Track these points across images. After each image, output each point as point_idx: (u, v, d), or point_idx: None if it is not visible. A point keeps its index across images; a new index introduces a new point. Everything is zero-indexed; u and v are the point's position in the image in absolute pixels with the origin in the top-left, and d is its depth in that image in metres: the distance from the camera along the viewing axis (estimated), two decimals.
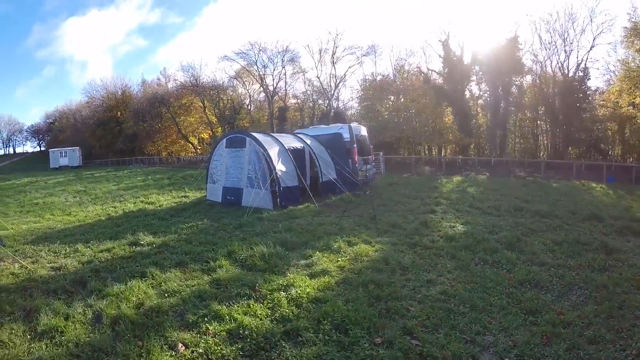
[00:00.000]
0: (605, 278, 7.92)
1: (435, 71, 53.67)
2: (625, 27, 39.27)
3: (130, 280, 7.94)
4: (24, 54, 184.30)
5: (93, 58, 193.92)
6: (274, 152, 16.76)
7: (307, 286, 7.43)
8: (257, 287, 7.44)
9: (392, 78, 58.49)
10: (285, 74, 68.36)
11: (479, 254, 9.53)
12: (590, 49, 44.10)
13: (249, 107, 75.32)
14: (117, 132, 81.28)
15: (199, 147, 79.16)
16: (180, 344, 5.58)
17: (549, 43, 46.08)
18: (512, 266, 8.67)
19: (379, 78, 59.61)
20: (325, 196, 18.41)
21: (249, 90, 74.53)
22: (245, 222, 13.39)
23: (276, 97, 69.23)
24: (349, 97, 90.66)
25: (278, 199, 16.42)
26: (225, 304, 6.75)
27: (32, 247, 11.59)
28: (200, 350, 5.46)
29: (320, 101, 67.20)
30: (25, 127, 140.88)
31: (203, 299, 7.03)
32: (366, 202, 16.07)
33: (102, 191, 27.34)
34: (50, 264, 9.71)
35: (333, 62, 63.99)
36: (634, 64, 38.83)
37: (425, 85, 51.41)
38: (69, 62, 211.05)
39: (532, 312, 6.53)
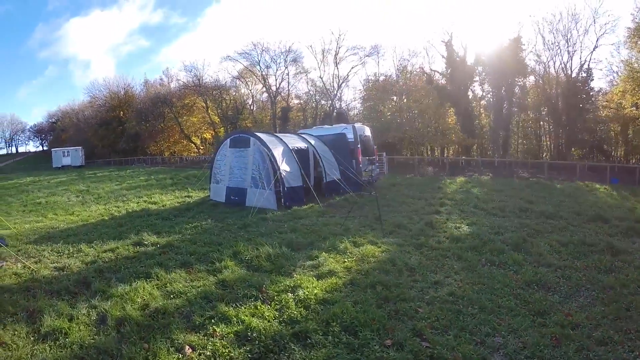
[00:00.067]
0: (612, 279, 7.89)
1: (438, 72, 53.67)
2: (629, 28, 39.27)
3: (134, 281, 7.87)
4: (26, 54, 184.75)
5: (96, 58, 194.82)
6: (278, 152, 16.69)
7: (315, 287, 7.36)
8: (264, 289, 7.36)
9: (394, 78, 58.44)
10: (288, 74, 68.44)
11: (486, 255, 9.46)
12: (594, 49, 43.98)
13: (252, 108, 75.30)
14: (119, 132, 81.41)
15: (202, 147, 79.29)
16: (187, 347, 5.50)
17: (552, 44, 46.03)
18: (519, 267, 8.62)
19: (381, 78, 59.54)
20: (329, 196, 18.35)
21: (252, 91, 74.62)
22: (249, 223, 13.30)
23: (279, 98, 69.23)
24: (351, 97, 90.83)
25: (282, 199, 16.35)
26: (232, 306, 6.67)
27: (35, 246, 11.50)
28: (208, 353, 5.38)
29: (323, 101, 67.28)
30: (28, 127, 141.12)
31: (209, 300, 6.95)
32: (370, 202, 16.01)
33: (104, 191, 27.28)
34: (54, 264, 9.63)
35: (336, 62, 63.99)
36: (637, 65, 38.79)
37: (428, 86, 51.28)
38: (71, 62, 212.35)
39: (540, 314, 6.49)
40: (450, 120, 52.66)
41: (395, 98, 55.98)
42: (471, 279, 8.00)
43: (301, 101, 70.86)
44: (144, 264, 9.24)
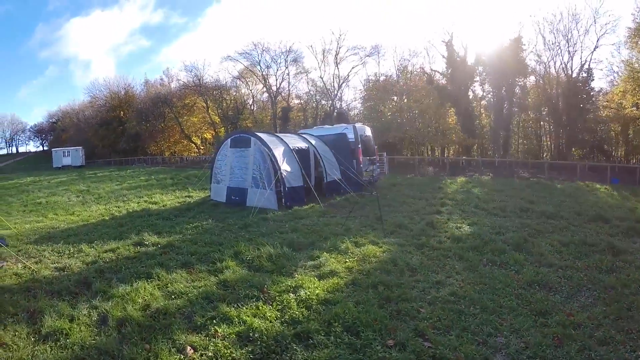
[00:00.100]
0: (613, 279, 7.89)
1: (438, 72, 53.71)
2: (629, 28, 39.26)
3: (135, 281, 7.85)
4: (27, 54, 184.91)
5: (96, 58, 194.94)
6: (279, 152, 16.67)
7: (316, 288, 7.34)
8: (265, 289, 7.34)
9: (395, 78, 58.41)
10: (288, 74, 68.43)
11: (487, 255, 9.47)
12: (594, 49, 43.95)
13: (252, 108, 75.23)
14: (120, 132, 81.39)
15: (202, 147, 79.28)
16: (188, 347, 5.48)
17: (552, 44, 45.98)
18: (520, 267, 8.63)
19: (382, 78, 59.51)
20: (330, 196, 18.33)
21: (252, 91, 74.57)
22: (250, 223, 13.28)
23: (279, 98, 69.23)
24: (352, 97, 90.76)
25: (283, 199, 16.32)
26: (233, 306, 6.65)
27: (36, 247, 11.47)
28: (210, 354, 5.36)
29: (323, 101, 67.23)
30: (28, 127, 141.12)
31: (211, 301, 6.93)
32: (371, 202, 16.00)
33: (105, 191, 27.26)
34: (54, 264, 9.60)
35: (336, 62, 63.97)
36: (638, 65, 38.77)
37: (429, 86, 51.29)
38: (72, 62, 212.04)
39: (542, 314, 6.49)
40: (450, 120, 52.67)
41: (395, 98, 55.94)
42: (473, 279, 7.99)
43: (302, 101, 70.83)
44: (144, 264, 9.21)
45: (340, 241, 10.52)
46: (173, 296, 7.21)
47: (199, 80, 72.22)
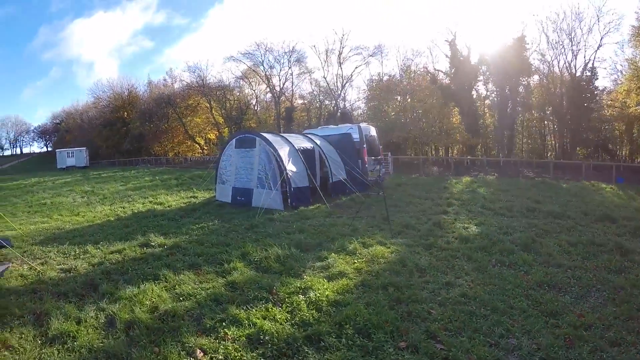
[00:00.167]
0: (622, 280, 7.85)
1: (442, 71, 53.68)
2: (633, 26, 39.26)
3: (143, 283, 7.79)
4: (30, 56, 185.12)
5: (99, 59, 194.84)
6: (284, 152, 16.61)
7: (326, 289, 7.28)
8: (274, 290, 7.28)
9: (398, 78, 58.37)
10: (291, 75, 68.54)
11: (495, 255, 9.40)
12: (598, 48, 43.83)
13: (256, 108, 75.35)
14: (123, 133, 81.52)
15: (206, 148, 79.30)
16: (198, 350, 5.42)
17: (556, 42, 45.87)
18: (529, 268, 8.56)
19: (385, 78, 59.42)
20: (336, 197, 18.26)
21: (256, 91, 74.65)
22: (256, 223, 13.23)
23: (283, 98, 69.26)
24: (355, 97, 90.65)
25: (289, 200, 16.26)
26: (242, 308, 6.59)
27: (41, 248, 11.44)
28: (220, 357, 5.31)
29: (327, 101, 67.21)
30: (32, 128, 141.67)
31: (219, 303, 6.87)
32: (377, 202, 15.94)
33: (110, 191, 27.27)
34: (60, 266, 9.56)
35: (339, 62, 64.04)
36: None
37: (432, 86, 51.25)
38: (75, 63, 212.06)
39: (552, 315, 6.44)
40: (454, 119, 52.56)
41: (399, 98, 55.94)
42: (482, 279, 7.92)
43: (305, 101, 70.90)
44: (151, 265, 9.16)
45: (348, 242, 10.45)
46: (181, 298, 7.15)
47: (202, 80, 72.27)
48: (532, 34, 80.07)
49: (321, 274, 8.28)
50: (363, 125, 22.90)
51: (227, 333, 5.81)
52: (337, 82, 64.56)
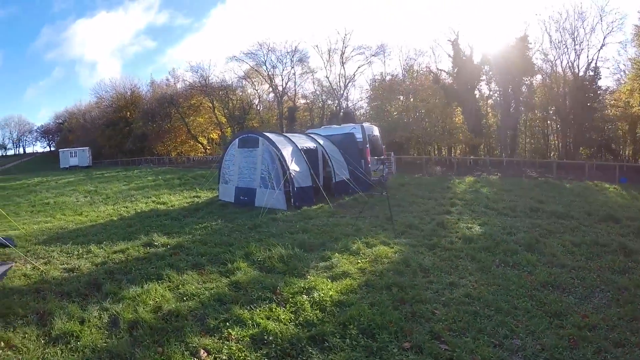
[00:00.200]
0: (626, 280, 7.82)
1: (444, 71, 53.54)
2: (636, 26, 39.22)
3: (146, 283, 7.77)
4: (33, 56, 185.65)
5: (102, 59, 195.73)
6: (287, 152, 16.60)
7: (330, 289, 7.25)
8: (278, 290, 7.26)
9: (401, 78, 58.26)
10: (294, 74, 68.57)
11: (499, 255, 9.37)
12: (601, 47, 43.61)
13: (258, 107, 75.37)
14: (126, 133, 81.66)
15: (209, 147, 79.34)
16: (202, 350, 5.40)
17: (559, 42, 45.62)
18: (533, 268, 8.53)
19: (388, 78, 59.37)
20: (339, 196, 18.23)
21: (258, 91, 74.73)
22: (260, 223, 13.22)
23: (285, 97, 69.27)
24: (358, 97, 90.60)
25: (292, 199, 16.25)
26: (246, 308, 6.57)
27: (44, 247, 11.44)
28: (224, 357, 5.29)
29: (329, 101, 67.22)
30: (35, 128, 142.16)
31: (223, 303, 6.85)
32: (380, 202, 15.95)
33: (112, 191, 27.31)
34: (63, 265, 9.54)
35: (342, 62, 64.04)
36: None
37: (435, 85, 51.16)
38: (78, 63, 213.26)
39: (557, 315, 6.41)
40: (457, 119, 52.48)
41: (402, 97, 55.86)
42: (486, 280, 7.90)
43: (308, 101, 70.90)
44: (154, 265, 9.14)
45: (351, 242, 10.43)
46: (185, 298, 7.13)
47: (205, 80, 72.36)
48: (535, 34, 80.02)
49: (325, 274, 8.27)
50: (366, 125, 22.90)
51: (230, 333, 5.79)
52: (339, 82, 64.73)
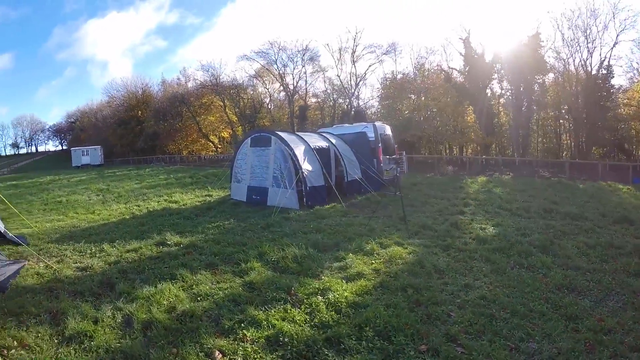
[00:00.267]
0: None
1: (456, 69, 53.22)
2: None
3: (159, 283, 7.76)
4: (45, 56, 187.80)
5: (113, 59, 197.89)
6: (299, 151, 16.56)
7: (345, 290, 7.21)
8: (292, 291, 7.22)
9: (412, 76, 58.03)
10: (305, 73, 68.37)
11: (514, 257, 9.30)
12: (614, 45, 43.02)
13: (269, 106, 75.35)
14: (138, 131, 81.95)
15: (220, 146, 79.48)
16: (217, 352, 5.37)
17: (571, 40, 45.08)
18: (548, 270, 8.44)
19: (399, 77, 59.23)
20: (351, 196, 18.18)
21: (269, 89, 74.71)
22: (272, 222, 13.19)
23: (296, 96, 69.25)
24: (369, 95, 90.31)
25: (304, 199, 16.21)
26: (261, 309, 6.53)
27: (57, 246, 11.49)
28: (239, 359, 5.25)
29: (340, 100, 67.12)
30: (47, 127, 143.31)
31: (237, 304, 6.82)
32: (393, 202, 15.87)
33: (125, 190, 27.42)
34: (76, 264, 9.56)
35: (353, 60, 63.83)
36: None
37: (447, 84, 50.83)
38: (89, 63, 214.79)
39: (572, 318, 6.33)
40: (468, 118, 52.12)
41: (413, 96, 55.62)
42: (501, 282, 7.84)
43: (319, 100, 70.83)
44: (168, 264, 9.14)
45: (365, 242, 10.38)
46: (199, 298, 7.11)
47: (216, 79, 72.47)
48: (547, 32, 79.72)
49: (339, 274, 8.22)
50: (378, 124, 22.80)
51: (245, 334, 5.75)
52: (350, 81, 64.53)
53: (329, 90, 68.52)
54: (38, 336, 5.87)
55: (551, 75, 48.82)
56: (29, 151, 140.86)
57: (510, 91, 50.09)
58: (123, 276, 8.46)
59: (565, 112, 48.22)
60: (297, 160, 16.13)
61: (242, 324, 6.04)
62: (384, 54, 62.66)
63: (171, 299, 6.99)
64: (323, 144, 18.77)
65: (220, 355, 5.31)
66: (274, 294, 7.11)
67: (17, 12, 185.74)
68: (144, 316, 6.35)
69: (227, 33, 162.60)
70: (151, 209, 17.83)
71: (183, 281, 7.93)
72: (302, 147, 17.00)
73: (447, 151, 55.92)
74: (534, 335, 5.83)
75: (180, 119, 77.28)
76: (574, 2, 69.91)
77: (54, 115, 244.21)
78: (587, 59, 44.35)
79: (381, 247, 10.12)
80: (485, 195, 19.32)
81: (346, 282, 7.73)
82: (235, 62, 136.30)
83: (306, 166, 16.32)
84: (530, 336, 5.81)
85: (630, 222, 13.29)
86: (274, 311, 6.44)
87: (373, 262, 9.00)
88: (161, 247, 10.74)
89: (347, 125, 25.73)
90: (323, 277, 8.04)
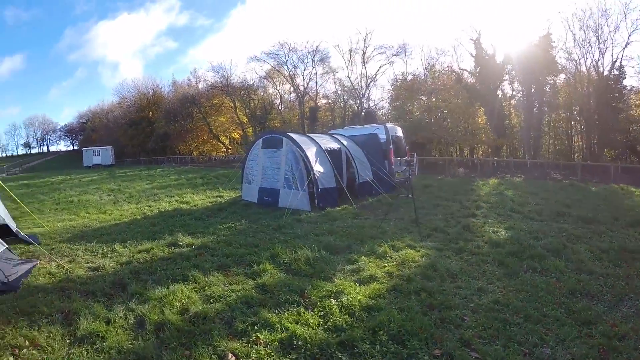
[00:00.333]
0: None
1: (467, 70, 52.91)
2: None
3: (172, 284, 7.75)
4: (56, 57, 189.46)
5: (124, 60, 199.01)
6: (311, 152, 16.54)
7: (358, 293, 7.16)
8: (305, 294, 7.18)
9: (423, 78, 57.94)
10: (315, 74, 68.47)
11: (526, 261, 9.18)
12: (625, 46, 42.45)
13: (280, 107, 75.49)
14: (148, 132, 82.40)
15: (230, 147, 79.60)
16: (230, 354, 5.34)
17: (582, 40, 44.57)
18: (561, 274, 8.33)
19: (409, 78, 59.14)
20: (362, 198, 18.11)
21: (280, 91, 74.85)
22: (284, 224, 13.17)
23: (307, 97, 69.33)
24: (379, 97, 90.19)
25: (316, 200, 16.15)
26: (274, 312, 6.50)
27: (68, 245, 11.54)
28: None
29: (351, 101, 67.08)
30: (59, 127, 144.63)
31: (250, 306, 6.79)
32: (405, 204, 15.79)
33: (136, 190, 27.51)
34: (88, 264, 9.59)
35: (363, 61, 63.90)
36: None
37: (457, 85, 50.64)
38: (100, 64, 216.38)
39: (586, 324, 6.26)
40: (479, 120, 51.93)
41: (423, 97, 55.50)
42: (514, 286, 7.76)
43: (329, 101, 70.87)
44: (180, 265, 9.13)
45: (377, 244, 10.35)
46: (211, 300, 7.08)
47: (227, 80, 72.68)
48: (558, 32, 78.95)
49: (352, 277, 8.17)
50: (389, 125, 22.76)
51: (259, 337, 5.72)
52: (361, 82, 64.52)
53: (339, 92, 68.68)
54: (50, 336, 5.88)
55: (562, 76, 48.42)
56: (41, 151, 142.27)
57: (521, 92, 49.81)
58: (135, 277, 8.46)
59: (577, 113, 47.85)
60: (309, 161, 16.12)
61: (255, 327, 6.00)
62: (395, 55, 62.75)
63: (183, 301, 6.97)
64: (334, 145, 18.74)
65: (234, 358, 5.28)
66: (287, 296, 7.08)
67: (29, 13, 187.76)
68: (157, 317, 6.33)
69: (237, 34, 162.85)
70: (162, 210, 17.86)
71: (195, 282, 7.91)
72: (314, 148, 16.98)
73: (458, 153, 55.66)
74: (548, 341, 5.76)
75: (190, 119, 77.64)
76: (585, 2, 69.36)
77: (66, 115, 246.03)
78: (598, 60, 43.95)
79: (393, 249, 10.06)
80: (497, 198, 19.21)
81: (359, 285, 7.68)
82: (245, 63, 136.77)
83: (318, 168, 16.30)
84: (544, 341, 5.74)
85: None
86: (287, 314, 6.41)
87: (386, 265, 8.94)
88: (173, 248, 10.74)
89: (358, 126, 25.70)
90: (336, 279, 7.99)
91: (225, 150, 79.39)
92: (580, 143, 50.23)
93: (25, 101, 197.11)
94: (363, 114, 58.34)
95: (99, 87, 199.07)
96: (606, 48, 43.25)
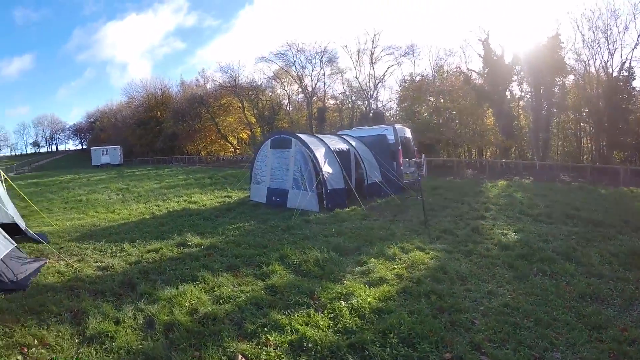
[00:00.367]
0: None
1: (475, 71, 52.57)
2: None
3: (181, 284, 7.77)
4: (65, 57, 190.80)
5: (132, 60, 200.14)
6: (320, 153, 16.52)
7: (368, 295, 7.14)
8: (315, 296, 7.17)
9: (431, 78, 57.58)
10: (323, 75, 68.22)
11: (536, 264, 9.14)
12: (635, 47, 41.83)
13: (288, 108, 75.41)
14: (157, 132, 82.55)
15: (238, 147, 79.59)
16: (240, 356, 5.33)
17: (591, 41, 44.10)
18: (571, 278, 8.29)
19: (417, 78, 58.74)
20: (371, 199, 18.01)
21: (288, 91, 74.72)
22: (293, 225, 13.15)
23: (315, 98, 69.18)
24: (387, 97, 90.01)
25: (324, 201, 16.13)
26: (284, 313, 6.49)
27: (77, 244, 11.59)
28: None
29: (359, 102, 66.87)
30: (68, 126, 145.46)
31: (260, 307, 6.78)
32: (413, 205, 15.77)
33: (144, 189, 27.56)
34: (97, 263, 9.63)
35: (371, 62, 63.66)
36: None
37: (466, 86, 50.37)
38: (109, 64, 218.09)
39: (596, 328, 6.23)
40: (488, 121, 51.64)
41: (431, 98, 55.22)
42: (524, 289, 7.73)
43: (337, 102, 70.63)
44: (189, 266, 9.14)
45: (386, 246, 10.33)
46: (221, 301, 7.09)
47: (235, 80, 72.63)
48: (567, 33, 78.50)
49: (362, 279, 8.15)
50: (398, 126, 22.66)
51: (269, 339, 5.71)
52: (369, 83, 64.28)
53: (347, 92, 68.41)
54: (59, 335, 5.91)
55: (571, 77, 47.97)
56: (50, 150, 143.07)
57: (530, 93, 49.43)
58: (144, 277, 8.48)
59: (586, 115, 47.48)
60: (318, 162, 16.10)
61: (265, 328, 6.00)
62: (403, 55, 62.44)
63: (193, 301, 6.97)
64: (343, 146, 18.70)
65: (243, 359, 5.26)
66: (297, 298, 7.07)
67: (38, 13, 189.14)
68: (166, 318, 6.34)
69: (245, 35, 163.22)
70: (171, 209, 17.90)
71: (204, 283, 7.92)
72: (323, 149, 16.96)
73: (466, 154, 55.37)
74: (558, 345, 5.75)
75: (199, 119, 77.72)
76: (594, 2, 68.88)
77: (74, 115, 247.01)
78: (607, 61, 43.52)
79: (403, 251, 10.02)
80: (506, 200, 19.12)
81: (369, 287, 7.66)
82: (253, 63, 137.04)
83: (326, 168, 16.28)
84: (554, 346, 5.73)
85: None
86: (297, 315, 6.40)
87: (395, 267, 8.92)
88: (182, 248, 10.77)
89: (367, 127, 25.57)
90: (345, 281, 7.98)
91: (233, 150, 79.42)
92: (589, 145, 49.86)
93: (34, 101, 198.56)
94: (371, 114, 58.08)
95: (107, 87, 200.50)
96: (615, 49, 42.86)
